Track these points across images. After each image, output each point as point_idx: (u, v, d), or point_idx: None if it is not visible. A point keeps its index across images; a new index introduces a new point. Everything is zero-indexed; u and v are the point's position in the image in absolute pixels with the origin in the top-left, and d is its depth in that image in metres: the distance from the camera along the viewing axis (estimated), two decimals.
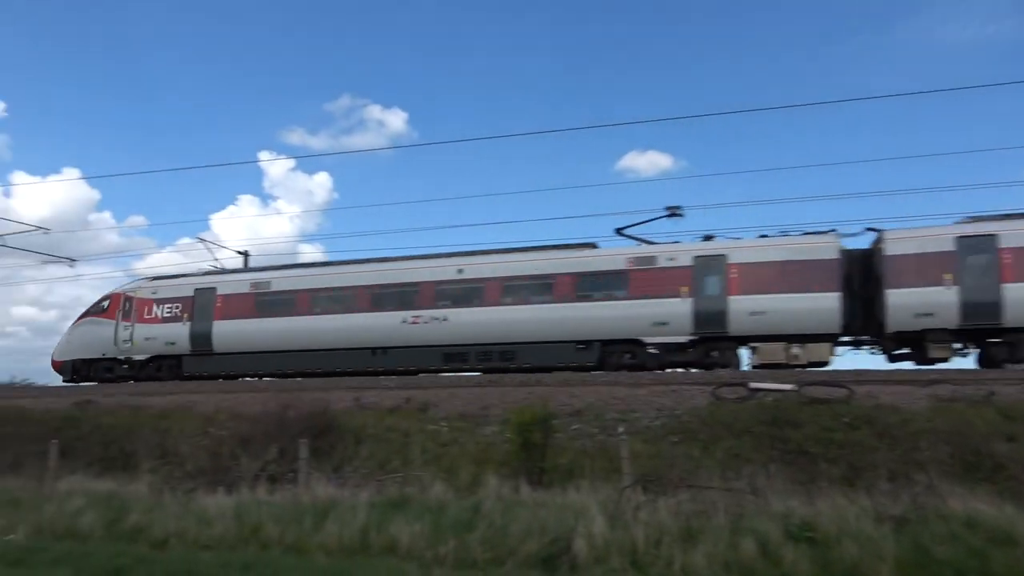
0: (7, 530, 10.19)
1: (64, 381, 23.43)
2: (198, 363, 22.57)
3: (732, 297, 17.78)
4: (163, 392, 18.49)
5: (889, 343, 17.82)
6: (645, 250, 19.53)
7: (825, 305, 17.11)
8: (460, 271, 20.50)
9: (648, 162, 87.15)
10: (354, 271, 22.16)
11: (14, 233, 25.39)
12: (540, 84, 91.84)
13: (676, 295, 18.22)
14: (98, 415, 16.52)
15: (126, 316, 23.08)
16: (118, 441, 14.97)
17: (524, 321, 19.44)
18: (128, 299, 23.31)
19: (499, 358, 19.55)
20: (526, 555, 7.82)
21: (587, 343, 18.96)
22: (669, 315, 18.16)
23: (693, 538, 7.61)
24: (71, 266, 27.51)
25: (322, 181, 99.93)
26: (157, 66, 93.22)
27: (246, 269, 26.32)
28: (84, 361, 23.37)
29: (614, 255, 19.62)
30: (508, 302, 19.83)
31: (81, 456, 14.90)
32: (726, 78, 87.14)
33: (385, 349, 20.76)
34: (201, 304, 22.54)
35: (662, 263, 18.70)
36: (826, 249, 17.70)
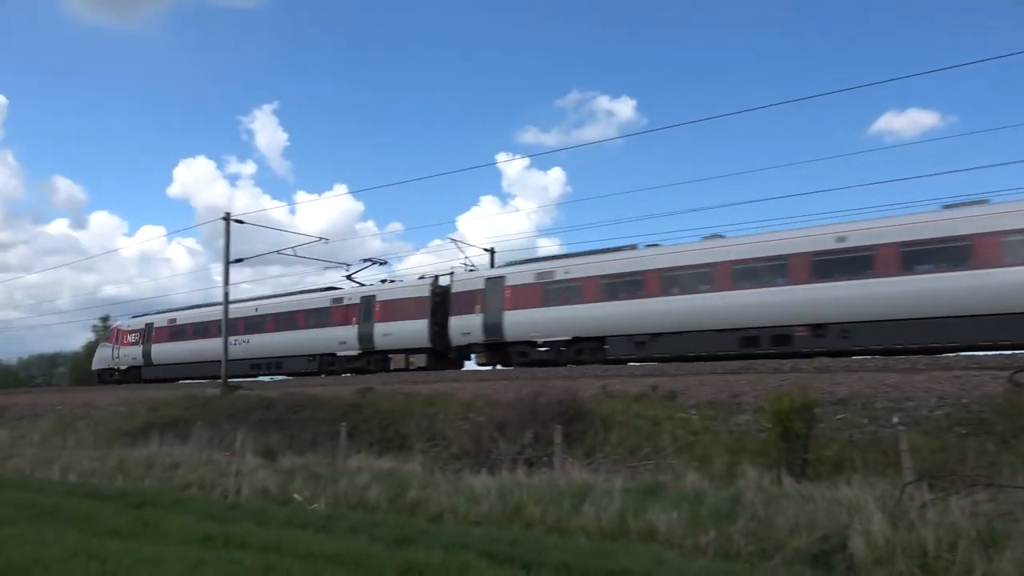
0: (311, 500, 11.77)
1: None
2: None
3: (376, 324, 26.95)
4: (429, 380, 20.16)
5: (453, 353, 25.79)
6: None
7: (419, 328, 25.70)
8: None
9: (909, 122, 77.81)
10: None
11: (301, 244, 29.21)
12: (774, 55, 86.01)
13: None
14: (377, 401, 18.43)
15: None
16: (394, 424, 16.56)
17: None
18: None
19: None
20: (795, 550, 7.37)
21: None
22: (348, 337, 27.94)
23: (997, 543, 6.64)
24: (347, 270, 31.01)
25: (556, 176, 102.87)
26: (404, 88, 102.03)
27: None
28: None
29: None
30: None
31: (364, 437, 16.73)
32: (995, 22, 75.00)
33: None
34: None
35: (348, 300, 28.60)
36: (422, 288, 26.44)
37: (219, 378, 25.86)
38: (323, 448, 16.55)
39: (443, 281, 26.65)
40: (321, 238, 28.70)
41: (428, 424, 16.12)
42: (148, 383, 33.63)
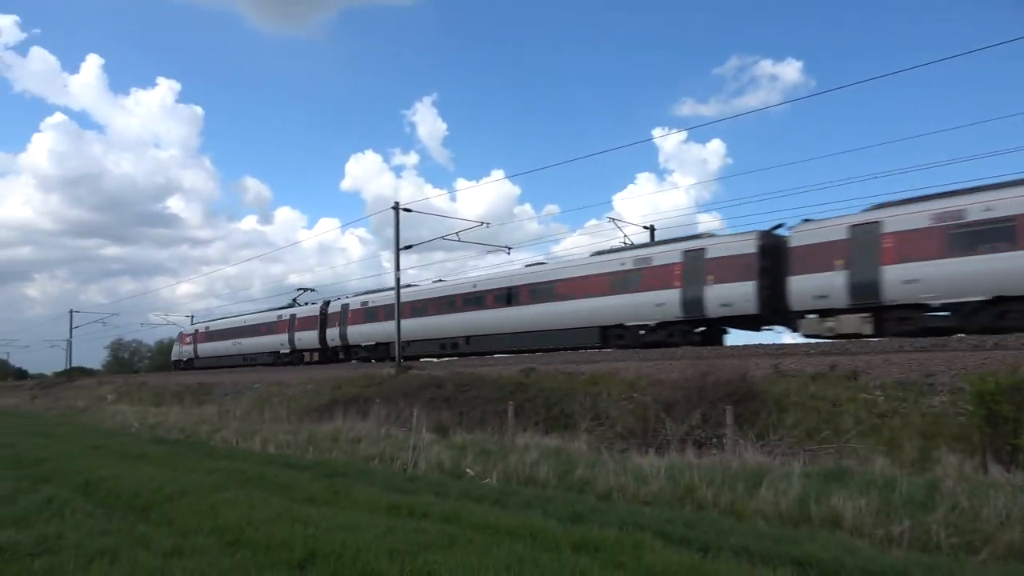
0: (483, 475, 12.19)
1: None
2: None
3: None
4: (592, 360, 20.21)
5: None
6: None
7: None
8: None
9: None
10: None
11: (464, 230, 30.14)
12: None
13: None
14: (540, 380, 18.74)
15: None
16: (559, 403, 16.76)
17: None
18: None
19: None
20: (1006, 545, 6.67)
21: None
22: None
23: None
24: (508, 253, 31.77)
25: (715, 148, 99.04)
26: (556, 70, 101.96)
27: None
28: None
29: None
30: None
31: (530, 416, 17.08)
32: None
33: None
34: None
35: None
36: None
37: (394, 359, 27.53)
38: (490, 425, 17.08)
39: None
40: (483, 222, 29.46)
41: (592, 403, 16.17)
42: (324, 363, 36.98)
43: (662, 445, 12.96)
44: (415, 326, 31.92)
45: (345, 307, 38.28)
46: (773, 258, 21.42)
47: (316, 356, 40.45)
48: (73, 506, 8.27)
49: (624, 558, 5.96)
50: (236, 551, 6.20)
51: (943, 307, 18.11)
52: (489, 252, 32.40)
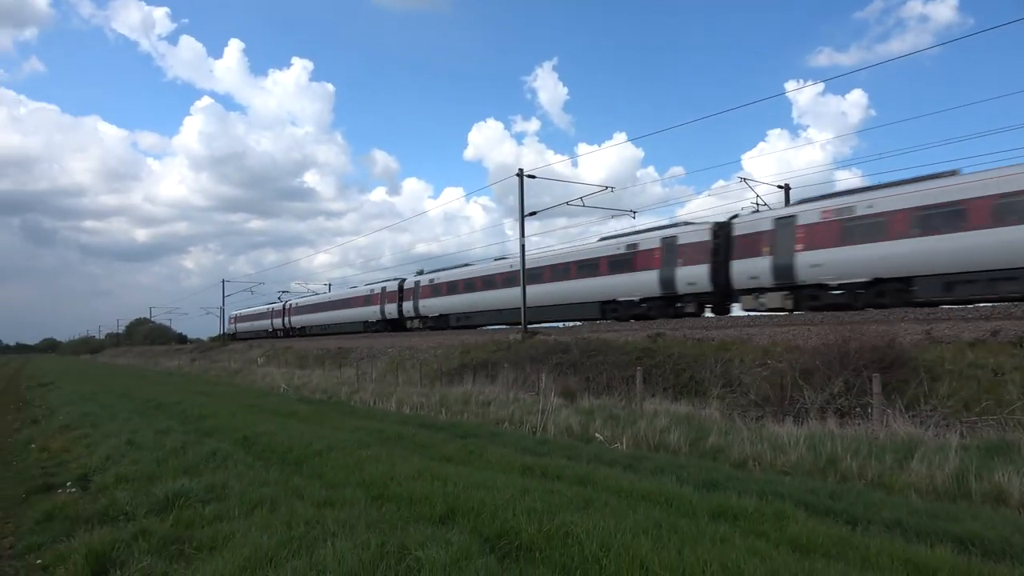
0: (612, 440, 12.18)
1: None
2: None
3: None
4: (722, 326, 19.64)
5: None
6: None
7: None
8: None
9: None
10: None
11: (587, 195, 29.89)
12: None
13: None
14: (668, 346, 18.42)
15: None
16: (688, 369, 16.43)
17: None
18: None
19: None
20: None
21: None
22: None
23: None
24: (633, 218, 31.28)
25: (856, 100, 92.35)
26: (680, 26, 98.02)
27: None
28: None
29: None
30: None
31: (658, 382, 16.85)
32: None
33: None
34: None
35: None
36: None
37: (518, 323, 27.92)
38: (618, 391, 17.01)
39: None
40: (607, 187, 29.12)
41: (723, 370, 15.73)
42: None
43: (800, 414, 12.44)
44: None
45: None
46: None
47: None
48: (234, 458, 8.98)
49: (766, 527, 5.78)
50: (382, 504, 6.52)
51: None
52: (613, 217, 32.03)
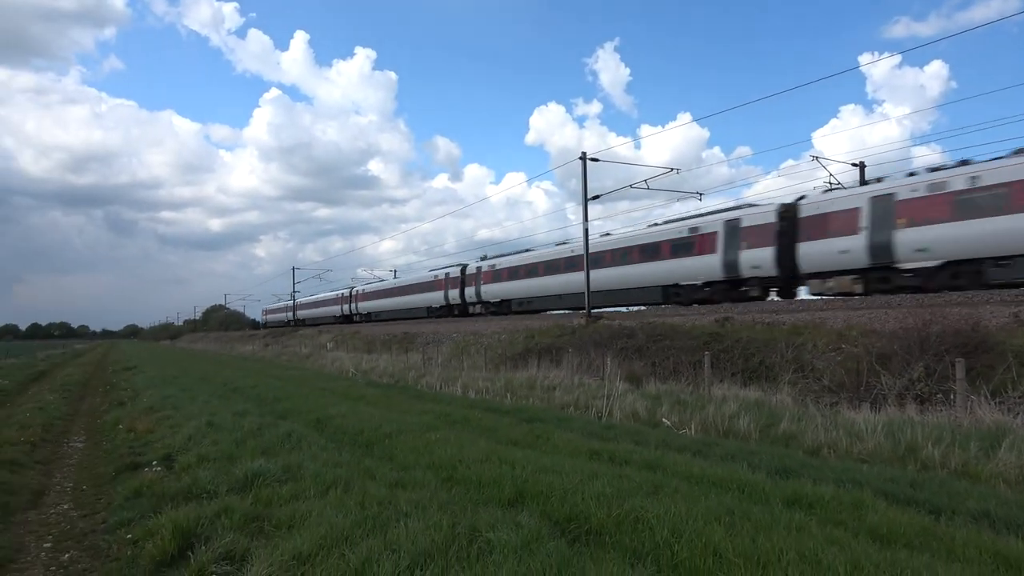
0: (680, 426, 12.02)
1: None
2: None
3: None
4: (792, 309, 19.11)
5: None
6: None
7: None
8: None
9: None
10: None
11: (652, 177, 29.36)
12: None
13: None
14: (737, 331, 18.04)
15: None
16: (757, 354, 16.06)
17: None
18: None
19: None
20: None
21: None
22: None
23: None
24: (699, 200, 30.55)
25: (935, 71, 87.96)
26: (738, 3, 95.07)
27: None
28: None
29: None
30: None
31: (726, 367, 16.54)
32: None
33: None
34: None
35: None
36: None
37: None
38: (684, 376, 16.78)
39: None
40: (672, 168, 28.52)
41: (795, 355, 15.33)
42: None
43: (877, 399, 12.03)
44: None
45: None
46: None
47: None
48: (308, 440, 9.24)
49: (843, 516, 5.62)
50: (451, 487, 6.61)
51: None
52: (678, 199, 31.41)
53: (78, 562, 5.81)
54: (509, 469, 7.01)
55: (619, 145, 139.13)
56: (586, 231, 28.26)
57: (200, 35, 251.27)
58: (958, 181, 19.10)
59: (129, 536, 6.00)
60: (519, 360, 22.72)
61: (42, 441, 11.48)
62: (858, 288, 21.58)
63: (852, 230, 21.40)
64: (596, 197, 29.31)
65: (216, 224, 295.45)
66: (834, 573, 4.20)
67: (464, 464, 7.50)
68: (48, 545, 6.29)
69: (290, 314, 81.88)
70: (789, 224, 23.84)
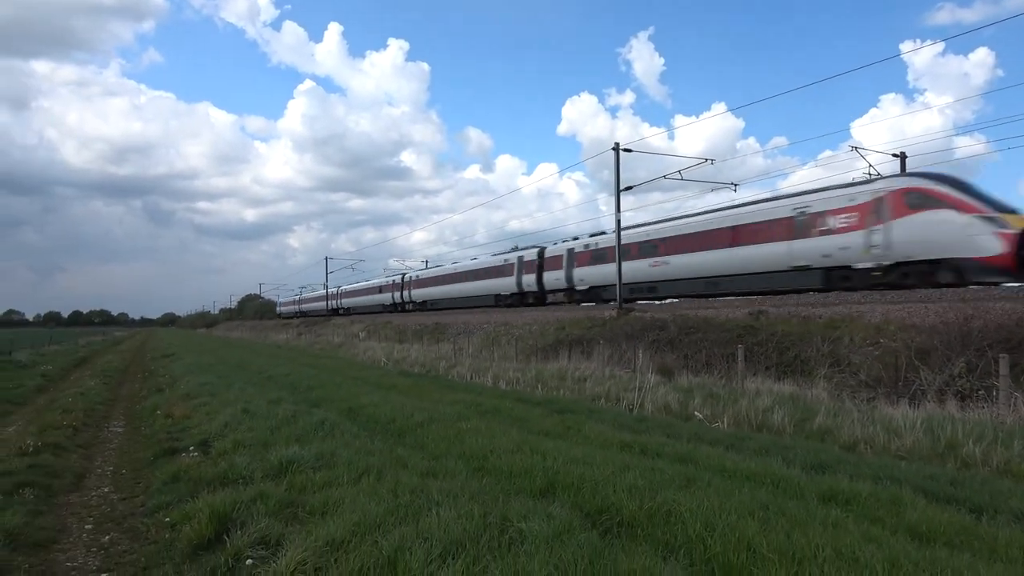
0: (712, 419, 11.91)
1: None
2: None
3: None
4: (828, 303, 18.78)
5: None
6: None
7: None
8: None
9: None
10: None
11: (686, 168, 29.03)
12: None
13: None
14: (771, 324, 17.81)
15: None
16: (792, 348, 15.84)
17: None
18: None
19: None
20: None
21: None
22: None
23: None
24: (734, 191, 30.04)
25: (980, 59, 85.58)
26: None
27: None
28: None
29: None
30: None
31: (760, 360, 16.34)
32: None
33: None
34: None
35: None
36: None
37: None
38: (717, 369, 16.62)
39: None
40: (706, 159, 28.17)
41: (831, 349, 15.08)
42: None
43: (915, 395, 11.80)
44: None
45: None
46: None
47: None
48: (341, 428, 9.33)
49: (881, 513, 5.51)
50: (483, 476, 6.63)
51: None
52: (713, 190, 30.91)
53: (118, 544, 5.95)
54: (540, 459, 7.00)
55: (652, 136, 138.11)
56: (618, 222, 28.06)
57: (236, 27, 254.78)
58: (592, 245, 34.75)
59: (167, 519, 6.12)
60: (549, 351, 22.71)
61: (83, 425, 11.77)
62: (564, 298, 37.25)
63: (560, 267, 37.18)
64: (629, 188, 29.08)
65: (251, 214, 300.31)
66: (872, 571, 4.12)
67: (495, 454, 7.52)
68: (89, 527, 6.44)
69: (310, 305, 79.28)
70: (543, 261, 39.42)
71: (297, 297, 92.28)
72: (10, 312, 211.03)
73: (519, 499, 5.59)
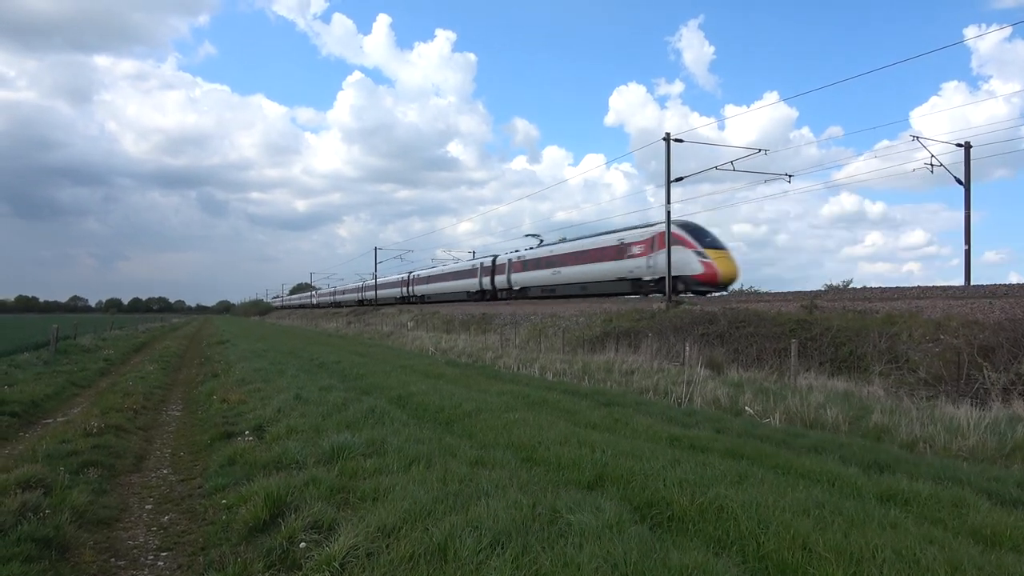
0: (763, 415, 11.68)
1: None
2: None
3: None
4: (887, 298, 18.25)
5: None
6: None
7: None
8: None
9: None
10: None
11: (737, 159, 28.44)
12: None
13: None
14: (826, 318, 17.37)
15: None
16: (847, 344, 15.43)
17: None
18: None
19: None
20: None
21: None
22: None
23: None
24: (788, 181, 29.40)
25: None
26: None
27: None
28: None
29: None
30: None
31: (813, 356, 15.98)
32: None
33: None
34: None
35: None
36: None
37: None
38: (768, 364, 16.31)
39: None
40: (759, 149, 27.62)
41: (888, 345, 14.65)
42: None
43: (979, 394, 11.39)
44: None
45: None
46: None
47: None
48: (390, 416, 9.44)
49: (942, 515, 5.34)
50: (531, 467, 6.63)
51: None
52: (765, 181, 30.32)
53: (176, 524, 6.13)
54: (588, 452, 6.97)
55: (702, 126, 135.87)
56: (668, 213, 27.70)
57: (287, 20, 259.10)
58: (523, 256, 46.49)
59: (224, 502, 6.28)
60: (596, 343, 22.59)
61: (143, 408, 12.15)
62: (506, 295, 46.51)
63: (504, 272, 45.97)
64: (680, 179, 28.66)
65: (302, 205, 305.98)
66: (933, 574, 4.00)
67: (544, 445, 7.51)
68: (149, 507, 6.66)
69: (383, 292, 77.04)
70: (495, 267, 49.19)
71: (360, 284, 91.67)
72: (75, 298, 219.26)
73: (568, 491, 5.57)
